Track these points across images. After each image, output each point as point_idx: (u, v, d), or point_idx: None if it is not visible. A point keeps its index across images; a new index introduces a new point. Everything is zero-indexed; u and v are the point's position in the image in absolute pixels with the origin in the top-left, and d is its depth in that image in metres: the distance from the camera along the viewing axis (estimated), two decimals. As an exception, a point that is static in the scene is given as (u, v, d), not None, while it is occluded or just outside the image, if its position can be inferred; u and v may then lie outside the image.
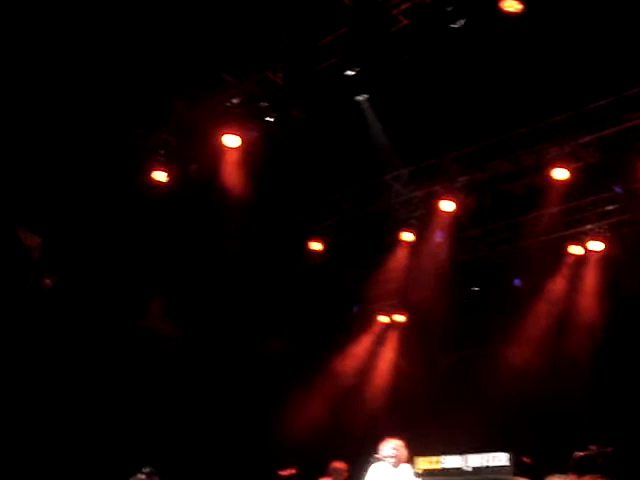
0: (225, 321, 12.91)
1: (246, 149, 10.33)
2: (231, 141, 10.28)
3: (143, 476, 11.22)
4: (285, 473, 10.77)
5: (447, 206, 11.43)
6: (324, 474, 11.13)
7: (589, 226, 11.56)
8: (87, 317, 11.60)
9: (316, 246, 12.78)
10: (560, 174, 10.44)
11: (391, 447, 8.96)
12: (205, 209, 11.07)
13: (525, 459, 10.90)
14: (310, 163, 11.01)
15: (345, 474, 10.99)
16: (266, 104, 9.94)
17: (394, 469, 8.91)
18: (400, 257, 12.60)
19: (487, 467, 12.22)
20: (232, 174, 10.61)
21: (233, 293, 12.67)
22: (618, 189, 10.67)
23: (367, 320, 14.35)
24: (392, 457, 8.88)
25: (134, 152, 10.59)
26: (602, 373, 11.19)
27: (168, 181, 10.71)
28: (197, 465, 12.18)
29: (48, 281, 11.21)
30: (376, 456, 9.02)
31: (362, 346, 14.10)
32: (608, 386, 11.15)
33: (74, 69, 9.22)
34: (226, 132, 10.20)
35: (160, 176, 10.69)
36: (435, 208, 11.62)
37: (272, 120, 10.00)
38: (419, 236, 12.27)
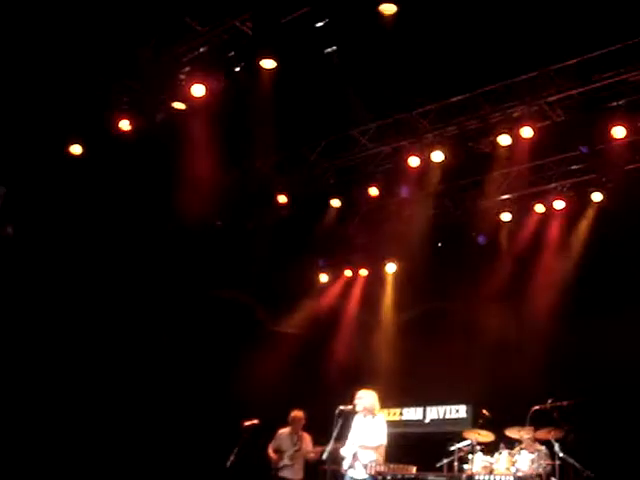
0: (190, 271, 12.89)
1: (212, 99, 10.18)
2: (197, 90, 10.15)
3: None
4: (248, 423, 10.93)
5: (414, 162, 11.43)
6: (285, 424, 11.39)
7: (553, 184, 11.69)
8: (47, 267, 11.51)
9: (282, 199, 12.77)
10: (527, 132, 10.47)
11: (362, 398, 9.17)
12: (170, 158, 10.94)
13: (484, 412, 11.12)
14: (277, 116, 10.89)
15: (303, 422, 11.27)
16: (233, 54, 9.81)
17: (368, 418, 9.12)
18: (366, 212, 12.64)
19: (446, 419, 12.51)
20: (197, 124, 10.46)
21: (197, 244, 12.61)
22: (584, 149, 10.73)
23: (332, 274, 14.43)
24: (363, 408, 9.11)
25: (98, 101, 10.40)
26: (562, 329, 11.38)
27: (132, 130, 10.57)
28: (160, 416, 12.25)
29: (9, 229, 11.10)
30: (342, 407, 9.17)
31: (327, 299, 14.21)
32: (568, 342, 11.34)
33: (36, 18, 8.98)
34: (192, 81, 10.07)
35: (124, 124, 10.55)
36: (402, 163, 11.61)
37: (239, 70, 9.89)
38: (385, 191, 12.31)
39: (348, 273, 14.42)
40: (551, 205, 11.81)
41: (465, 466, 10.19)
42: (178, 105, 10.42)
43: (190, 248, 12.51)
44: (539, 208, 11.98)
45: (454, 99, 10.73)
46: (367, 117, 11.40)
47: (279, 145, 11.91)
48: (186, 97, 10.25)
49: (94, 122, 10.61)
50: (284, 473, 11.02)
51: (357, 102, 10.84)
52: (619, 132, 9.97)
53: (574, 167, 11.35)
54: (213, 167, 11.18)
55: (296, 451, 11.08)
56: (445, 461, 10.46)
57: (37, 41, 9.27)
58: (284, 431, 11.39)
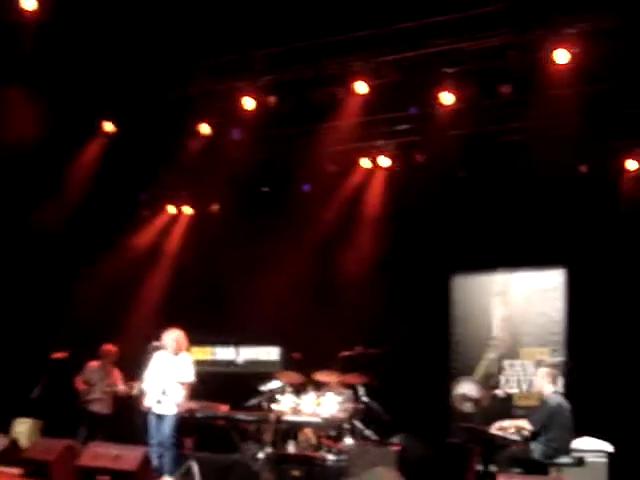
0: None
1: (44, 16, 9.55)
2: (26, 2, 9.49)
3: None
4: (57, 356, 10.66)
5: (248, 103, 11.37)
6: (95, 358, 11.21)
7: (380, 142, 12.07)
8: None
9: (109, 127, 12.29)
10: (361, 88, 10.69)
11: (171, 337, 9.34)
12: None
13: (295, 355, 11.48)
14: (109, 41, 10.41)
15: (115, 357, 11.19)
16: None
17: (174, 357, 9.27)
18: (195, 149, 12.43)
19: (258, 360, 12.80)
20: (31, 37, 9.77)
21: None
22: (413, 110, 11.13)
23: (154, 209, 14.15)
24: (172, 346, 9.27)
25: None
26: (375, 281, 11.89)
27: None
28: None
29: None
30: (155, 344, 9.30)
31: (146, 235, 13.89)
32: (379, 294, 11.86)
33: None
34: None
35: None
36: (236, 104, 11.50)
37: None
38: (216, 130, 12.17)
39: (171, 210, 14.19)
40: (376, 162, 12.21)
41: (273, 406, 10.51)
42: None
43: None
44: (365, 163, 12.36)
45: (294, 45, 10.74)
46: (203, 53, 11.17)
47: (108, 73, 11.43)
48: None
49: None
50: (93, 407, 10.87)
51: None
52: (447, 98, 10.42)
53: (402, 127, 11.75)
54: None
55: (107, 385, 10.94)
56: (254, 401, 10.75)
57: None
58: (94, 364, 11.21)
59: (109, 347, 11.31)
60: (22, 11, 9.51)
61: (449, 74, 10.12)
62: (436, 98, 10.46)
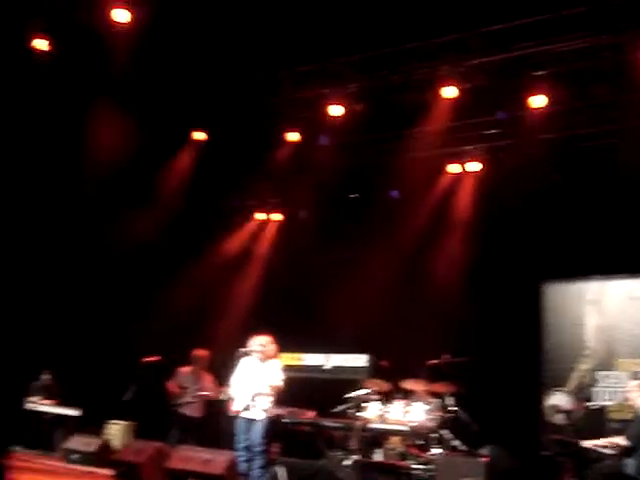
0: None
1: (137, 27, 9.84)
2: (121, 16, 9.81)
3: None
4: (149, 360, 10.91)
5: (335, 110, 11.41)
6: (186, 363, 11.40)
7: (469, 147, 11.89)
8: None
9: (199, 136, 12.58)
10: (449, 92, 10.57)
11: (259, 343, 9.28)
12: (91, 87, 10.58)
13: (383, 363, 11.41)
14: (201, 49, 10.64)
15: (206, 362, 11.33)
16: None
17: (262, 363, 9.23)
18: (284, 156, 12.56)
19: (346, 367, 12.76)
20: (122, 51, 10.10)
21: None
22: (501, 114, 10.93)
23: (244, 216, 14.37)
24: (260, 352, 9.22)
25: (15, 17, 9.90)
26: (462, 291, 11.68)
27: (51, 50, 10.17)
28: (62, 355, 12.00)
29: None
30: (242, 350, 9.29)
31: (236, 241, 14.13)
32: (467, 303, 11.64)
33: None
34: (115, 5, 9.71)
35: (41, 44, 10.13)
36: (323, 111, 11.56)
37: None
38: (305, 137, 12.27)
39: (261, 216, 14.38)
40: (465, 167, 12.04)
41: (360, 413, 10.47)
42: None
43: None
44: (453, 168, 12.20)
45: (382, 51, 10.71)
46: (292, 61, 11.27)
47: (200, 80, 11.68)
48: (108, 22, 9.88)
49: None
50: (184, 410, 11.06)
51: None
52: (537, 101, 10.19)
53: (491, 131, 11.53)
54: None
55: (197, 389, 11.12)
56: (341, 408, 10.73)
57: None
58: (185, 370, 11.39)
59: (200, 352, 11.48)
60: (115, 24, 9.80)
61: (538, 76, 9.89)
62: (525, 101, 10.23)
